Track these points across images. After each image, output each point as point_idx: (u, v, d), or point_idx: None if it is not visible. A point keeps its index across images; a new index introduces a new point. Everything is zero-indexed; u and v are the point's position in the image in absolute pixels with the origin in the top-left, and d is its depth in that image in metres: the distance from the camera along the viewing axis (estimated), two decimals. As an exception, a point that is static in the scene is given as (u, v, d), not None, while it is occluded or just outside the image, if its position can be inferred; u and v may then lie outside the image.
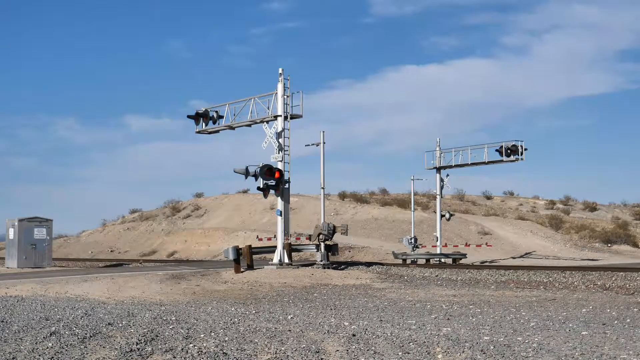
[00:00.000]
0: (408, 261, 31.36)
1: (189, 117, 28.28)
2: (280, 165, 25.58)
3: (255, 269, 24.90)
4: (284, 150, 25.84)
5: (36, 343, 9.23)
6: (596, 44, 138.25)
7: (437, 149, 33.85)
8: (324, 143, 27.60)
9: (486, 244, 39.84)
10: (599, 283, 20.27)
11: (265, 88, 29.01)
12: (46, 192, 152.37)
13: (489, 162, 32.37)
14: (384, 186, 72.00)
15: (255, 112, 26.81)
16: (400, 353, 8.71)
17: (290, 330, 10.62)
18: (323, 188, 27.98)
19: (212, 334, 10.17)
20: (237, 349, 8.93)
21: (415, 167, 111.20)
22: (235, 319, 12.13)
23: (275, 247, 26.35)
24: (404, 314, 13.60)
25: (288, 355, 8.56)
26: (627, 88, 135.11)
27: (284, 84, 25.99)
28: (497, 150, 31.46)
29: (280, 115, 25.86)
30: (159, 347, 9.03)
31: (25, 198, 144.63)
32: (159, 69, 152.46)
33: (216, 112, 28.05)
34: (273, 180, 24.99)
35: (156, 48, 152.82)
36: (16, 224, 30.50)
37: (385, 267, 27.59)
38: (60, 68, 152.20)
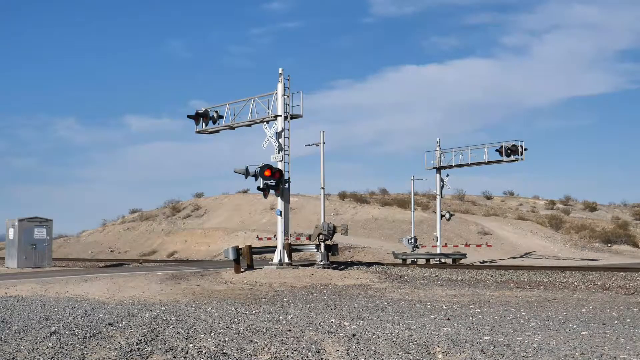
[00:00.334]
0: (408, 261, 31.36)
1: (189, 117, 28.29)
2: (280, 165, 25.58)
3: (255, 269, 24.90)
4: (284, 150, 25.84)
5: (36, 343, 9.23)
6: (596, 44, 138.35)
7: (437, 149, 33.85)
8: (324, 143, 27.61)
9: (486, 244, 39.84)
10: (599, 283, 20.27)
11: (265, 88, 29.03)
12: (46, 192, 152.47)
13: (489, 162, 32.37)
14: (384, 186, 72.09)
15: (255, 112, 26.83)
16: (400, 353, 8.71)
17: (290, 330, 10.62)
18: (323, 188, 27.97)
19: (212, 334, 10.17)
20: (237, 349, 8.93)
21: (415, 167, 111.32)
22: (235, 319, 12.13)
23: (275, 247, 26.34)
24: (404, 314, 13.60)
25: (288, 355, 8.56)
26: (627, 88, 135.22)
27: (284, 84, 25.99)
28: (497, 150, 31.46)
29: (280, 115, 25.86)
30: (159, 347, 9.03)
31: (25, 198, 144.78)
32: (159, 69, 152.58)
33: (216, 112, 28.05)
34: (273, 180, 24.99)
35: (156, 48, 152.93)
36: (16, 224, 30.50)
37: (385, 267, 27.59)
38: (60, 68, 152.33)
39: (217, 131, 28.82)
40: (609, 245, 45.95)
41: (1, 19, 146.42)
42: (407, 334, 10.28)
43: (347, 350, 8.88)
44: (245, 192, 59.18)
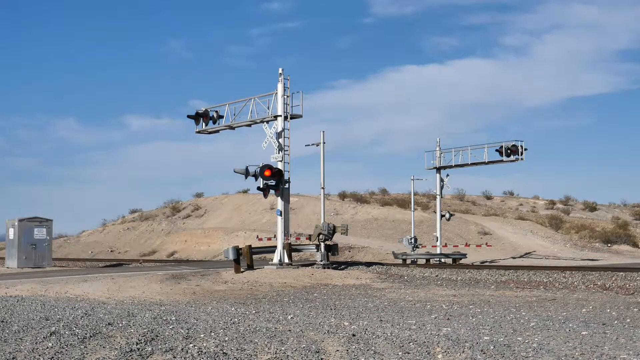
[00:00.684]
0: (408, 261, 31.36)
1: (189, 117, 28.29)
2: (280, 165, 25.58)
3: (255, 269, 24.90)
4: (284, 150, 25.84)
5: (36, 343, 9.23)
6: (596, 44, 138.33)
7: (437, 149, 33.85)
8: (324, 143, 27.61)
9: (486, 244, 39.85)
10: (599, 283, 20.27)
11: (265, 88, 29.06)
12: (46, 192, 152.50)
13: (489, 162, 32.37)
14: (384, 186, 72.05)
15: (255, 112, 26.83)
16: (400, 353, 8.71)
17: (290, 330, 10.62)
18: (323, 188, 27.98)
19: (212, 334, 10.17)
20: (237, 349, 8.93)
21: (415, 167, 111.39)
22: (235, 319, 12.13)
23: (275, 247, 26.34)
24: (404, 314, 13.60)
25: (288, 355, 8.56)
26: (627, 88, 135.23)
27: (284, 84, 25.99)
28: (497, 150, 31.47)
29: (280, 115, 25.86)
30: (159, 347, 9.03)
31: (25, 198, 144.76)
32: (159, 69, 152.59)
33: (216, 112, 28.05)
34: (273, 180, 24.99)
35: (156, 48, 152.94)
36: (16, 224, 30.50)
37: (385, 267, 27.58)
38: (60, 68, 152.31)
39: (217, 131, 28.82)
40: (609, 245, 45.95)
41: (1, 19, 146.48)
42: (407, 334, 10.28)
43: (347, 350, 8.88)
44: (245, 192, 59.21)
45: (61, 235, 57.75)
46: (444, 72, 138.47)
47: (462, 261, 31.93)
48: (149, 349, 8.90)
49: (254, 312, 13.74)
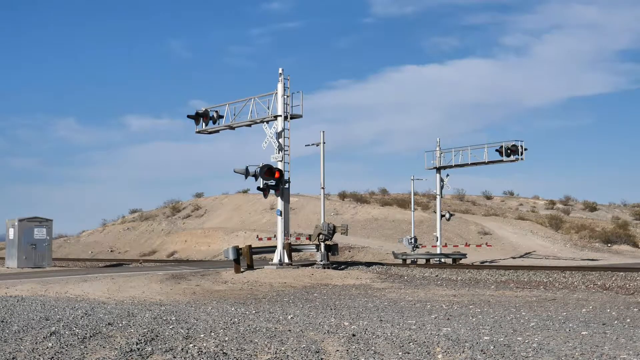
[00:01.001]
0: (408, 261, 31.36)
1: (189, 117, 28.28)
2: (280, 165, 25.57)
3: (255, 269, 24.90)
4: (284, 150, 25.84)
5: (36, 343, 9.23)
6: (596, 44, 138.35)
7: (437, 149, 33.85)
8: (324, 143, 27.61)
9: (486, 244, 39.85)
10: (599, 283, 20.27)
11: (265, 88, 29.06)
12: (46, 192, 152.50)
13: (489, 162, 32.38)
14: (384, 186, 72.06)
15: (255, 112, 26.83)
16: (400, 353, 8.71)
17: (290, 330, 10.62)
18: (323, 188, 27.98)
19: (212, 334, 10.17)
20: (237, 349, 8.93)
21: (415, 167, 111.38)
22: (235, 319, 12.13)
23: (275, 247, 26.34)
24: (404, 314, 13.60)
25: (288, 355, 8.56)
26: (627, 88, 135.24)
27: (284, 84, 25.99)
28: (497, 150, 31.47)
29: (280, 115, 25.86)
30: (159, 347, 9.03)
31: (25, 198, 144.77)
32: (159, 69, 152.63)
33: (216, 112, 28.05)
34: (273, 180, 24.99)
35: (156, 48, 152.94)
36: (16, 224, 30.50)
37: (385, 267, 27.58)
38: (60, 68, 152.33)
39: (217, 131, 28.82)
40: (609, 245, 45.95)
41: (1, 19, 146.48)
42: (407, 334, 10.28)
43: (347, 350, 8.88)
44: (245, 192, 59.21)
45: (61, 235, 57.77)
46: (444, 72, 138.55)
47: (462, 261, 31.93)
48: (149, 349, 8.90)
49: (254, 312, 13.74)
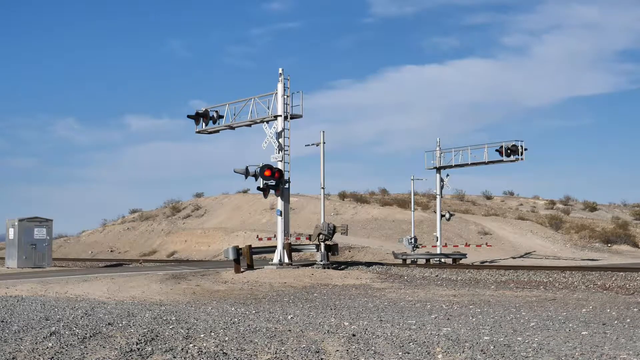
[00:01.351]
0: (408, 261, 31.36)
1: (189, 117, 28.29)
2: (280, 165, 25.57)
3: (255, 269, 24.90)
4: (284, 150, 25.83)
5: (36, 343, 9.23)
6: (596, 44, 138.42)
7: (437, 149, 33.86)
8: (324, 143, 27.61)
9: (486, 244, 39.85)
10: (599, 283, 20.26)
11: (265, 88, 29.07)
12: (46, 192, 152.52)
13: (489, 162, 32.39)
14: (384, 186, 72.10)
15: (255, 112, 26.82)
16: (400, 353, 8.71)
17: (290, 330, 10.62)
18: (323, 188, 27.97)
19: (212, 334, 10.17)
20: (237, 349, 8.93)
21: (415, 167, 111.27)
22: (235, 319, 12.13)
23: (275, 247, 26.34)
24: (404, 314, 13.60)
25: (288, 355, 8.56)
26: (627, 88, 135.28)
27: (284, 84, 25.99)
28: (497, 150, 31.49)
29: (280, 115, 25.86)
30: (159, 347, 9.03)
31: (25, 198, 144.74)
32: (159, 69, 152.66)
33: (216, 112, 28.05)
34: (273, 180, 24.99)
35: (156, 48, 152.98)
36: (16, 224, 30.51)
37: (385, 267, 27.58)
38: (60, 68, 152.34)
39: (217, 131, 28.82)
40: (609, 245, 45.96)
41: (1, 19, 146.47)
42: (407, 334, 10.28)
43: (347, 350, 8.88)
44: (245, 192, 59.21)
45: (61, 235, 57.78)
46: (444, 72, 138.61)
47: (462, 261, 31.93)
48: (149, 349, 8.90)
49: (254, 312, 13.74)
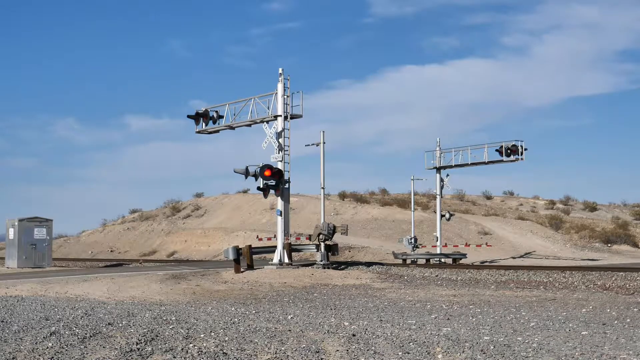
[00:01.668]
0: (408, 261, 31.35)
1: (189, 117, 28.29)
2: (280, 165, 25.57)
3: (255, 269, 24.90)
4: (284, 150, 25.84)
5: (36, 343, 9.23)
6: (596, 44, 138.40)
7: (437, 149, 33.86)
8: (324, 143, 27.61)
9: (486, 244, 39.84)
10: (599, 283, 20.27)
11: (265, 88, 29.06)
12: (46, 192, 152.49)
13: (489, 162, 32.39)
14: (384, 186, 72.05)
15: (255, 112, 26.83)
16: (400, 353, 8.71)
17: (290, 330, 10.62)
18: (323, 188, 27.97)
19: (212, 334, 10.17)
20: (237, 349, 8.93)
21: (415, 167, 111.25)
22: (235, 319, 12.13)
23: (275, 247, 26.34)
24: (404, 314, 13.60)
25: (288, 355, 8.56)
26: (626, 88, 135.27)
27: (284, 84, 25.99)
28: (497, 150, 31.49)
29: (280, 115, 25.86)
30: (159, 347, 9.03)
31: (25, 198, 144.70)
32: (159, 69, 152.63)
33: (216, 112, 28.05)
34: (273, 180, 24.98)
35: (156, 48, 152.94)
36: (16, 224, 30.51)
37: (385, 267, 27.58)
38: (60, 68, 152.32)
39: (217, 131, 28.82)
40: (609, 245, 45.95)
41: (1, 19, 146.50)
42: (407, 334, 10.28)
43: (347, 350, 8.88)
44: (245, 192, 59.20)
45: (61, 235, 57.76)
46: (444, 72, 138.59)
47: (462, 261, 31.93)
48: (149, 349, 8.90)
49: (254, 312, 13.74)
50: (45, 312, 12.96)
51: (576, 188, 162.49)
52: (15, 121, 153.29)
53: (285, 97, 25.93)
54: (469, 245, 37.67)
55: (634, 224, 53.81)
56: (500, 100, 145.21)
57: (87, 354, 8.61)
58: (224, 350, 8.82)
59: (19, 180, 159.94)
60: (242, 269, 24.52)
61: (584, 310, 14.22)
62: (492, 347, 9.02)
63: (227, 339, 9.71)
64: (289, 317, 12.72)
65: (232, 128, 28.24)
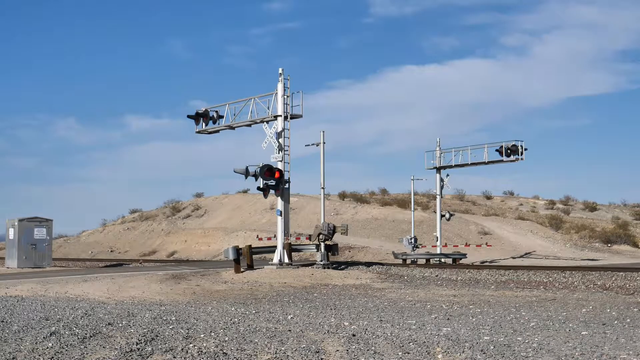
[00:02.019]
0: (408, 261, 31.35)
1: (189, 117, 28.29)
2: (280, 165, 25.57)
3: (255, 269, 24.90)
4: (284, 150, 25.83)
5: (36, 343, 9.23)
6: (596, 44, 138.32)
7: (437, 149, 33.86)
8: (324, 143, 27.62)
9: (486, 244, 39.84)
10: (599, 283, 20.27)
11: (265, 88, 29.07)
12: (46, 192, 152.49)
13: (489, 162, 32.38)
14: (384, 186, 72.01)
15: (255, 112, 26.83)
16: (400, 353, 8.71)
17: (290, 330, 10.63)
18: (323, 188, 27.98)
19: (212, 334, 10.17)
20: (237, 349, 8.93)
21: (415, 167, 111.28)
22: (235, 319, 12.13)
23: (275, 247, 26.34)
24: (404, 314, 13.60)
25: (288, 355, 8.56)
26: (627, 88, 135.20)
27: (284, 84, 25.99)
28: (497, 150, 31.48)
29: (280, 115, 25.86)
30: (159, 347, 9.04)
31: (25, 198, 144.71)
32: (159, 69, 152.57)
33: (216, 112, 28.06)
34: (273, 180, 24.99)
35: (156, 48, 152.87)
36: (16, 224, 30.50)
37: (385, 267, 27.58)
38: (60, 68, 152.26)
39: (217, 131, 28.82)
40: (609, 245, 45.95)
41: (1, 19, 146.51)
42: (407, 334, 10.28)
43: (347, 350, 8.88)
44: (245, 192, 59.20)
45: (61, 235, 57.76)
46: (444, 72, 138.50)
47: (462, 261, 31.93)
48: (149, 349, 8.90)
49: (254, 312, 13.74)
50: (45, 312, 12.96)
51: (576, 188, 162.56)
52: (15, 121, 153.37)
53: (285, 97, 25.94)
54: (469, 245, 37.67)
55: (634, 224, 53.80)
56: (500, 100, 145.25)
57: (87, 354, 8.61)
58: (224, 350, 8.82)
59: (19, 180, 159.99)
60: (242, 269, 24.53)
61: (584, 310, 14.22)
62: (492, 347, 9.02)
63: (227, 339, 9.71)
64: (289, 317, 12.72)
65: (232, 128, 28.24)
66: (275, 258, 25.89)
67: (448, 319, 12.70)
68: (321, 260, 26.11)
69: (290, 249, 26.40)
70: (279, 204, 25.95)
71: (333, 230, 26.54)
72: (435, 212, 36.10)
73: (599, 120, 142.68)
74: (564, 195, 70.12)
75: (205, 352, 8.68)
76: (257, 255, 27.05)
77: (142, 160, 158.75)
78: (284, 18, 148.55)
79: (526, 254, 39.40)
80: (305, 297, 17.85)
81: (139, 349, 8.83)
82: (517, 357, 8.41)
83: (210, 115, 28.01)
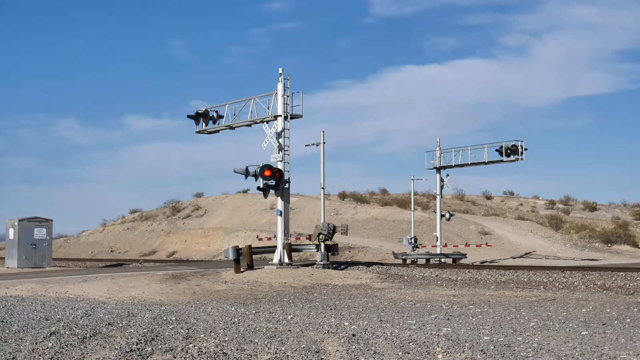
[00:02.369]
0: (408, 261, 31.35)
1: (189, 117, 28.29)
2: (280, 165, 25.57)
3: (255, 269, 24.90)
4: (284, 150, 25.83)
5: (36, 343, 9.23)
6: (596, 44, 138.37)
7: (437, 149, 33.85)
8: (324, 143, 27.62)
9: (486, 244, 39.84)
10: (599, 283, 20.27)
11: (265, 88, 29.06)
12: (46, 192, 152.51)
13: (489, 162, 32.38)
14: (384, 186, 72.04)
15: (255, 112, 26.83)
16: (400, 353, 8.71)
17: (290, 330, 10.62)
18: (323, 188, 27.98)
19: (212, 334, 10.17)
20: (237, 349, 8.93)
21: (415, 167, 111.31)
22: (235, 319, 12.13)
23: (275, 247, 26.34)
24: (404, 314, 13.60)
25: (288, 355, 8.56)
26: (627, 88, 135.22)
27: (284, 84, 25.99)
28: (497, 150, 31.48)
29: (280, 115, 25.86)
30: (159, 347, 9.03)
31: (25, 198, 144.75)
32: (159, 69, 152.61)
33: (216, 112, 28.06)
34: (273, 180, 24.99)
35: (156, 48, 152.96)
36: (16, 224, 30.50)
37: (385, 267, 27.58)
38: (60, 68, 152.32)
39: (217, 131, 28.82)
40: (609, 245, 45.94)
41: (1, 19, 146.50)
42: (407, 334, 10.28)
43: (347, 350, 8.88)
44: (245, 192, 59.19)
45: (61, 235, 57.75)
46: (444, 72, 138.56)
47: (462, 261, 31.93)
48: (149, 349, 8.90)
49: (254, 312, 13.74)
50: (45, 312, 12.96)
51: (576, 188, 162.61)
52: (15, 121, 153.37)
53: (285, 97, 25.94)
54: (468, 245, 37.67)
55: (634, 224, 53.79)
56: (500, 100, 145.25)
57: (87, 354, 8.61)
58: (224, 350, 8.82)
59: (19, 180, 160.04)
60: (242, 269, 24.53)
61: (584, 310, 14.22)
62: (492, 347, 9.02)
63: (227, 339, 9.71)
64: (289, 317, 12.72)
65: (232, 128, 28.25)
66: (275, 258, 25.89)
67: (448, 319, 12.70)
68: (321, 260, 26.11)
69: (290, 249, 26.40)
70: (279, 204, 25.95)
71: (333, 230, 26.54)
72: (435, 212, 36.10)
73: (599, 120, 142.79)
74: (564, 195, 70.15)
75: (205, 352, 8.68)
76: (257, 255, 27.05)
77: (142, 160, 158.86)
78: (283, 18, 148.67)
79: (526, 254, 39.39)
80: (305, 297, 17.85)
81: (139, 349, 8.83)
82: (517, 357, 8.41)
83: (210, 115, 28.02)
